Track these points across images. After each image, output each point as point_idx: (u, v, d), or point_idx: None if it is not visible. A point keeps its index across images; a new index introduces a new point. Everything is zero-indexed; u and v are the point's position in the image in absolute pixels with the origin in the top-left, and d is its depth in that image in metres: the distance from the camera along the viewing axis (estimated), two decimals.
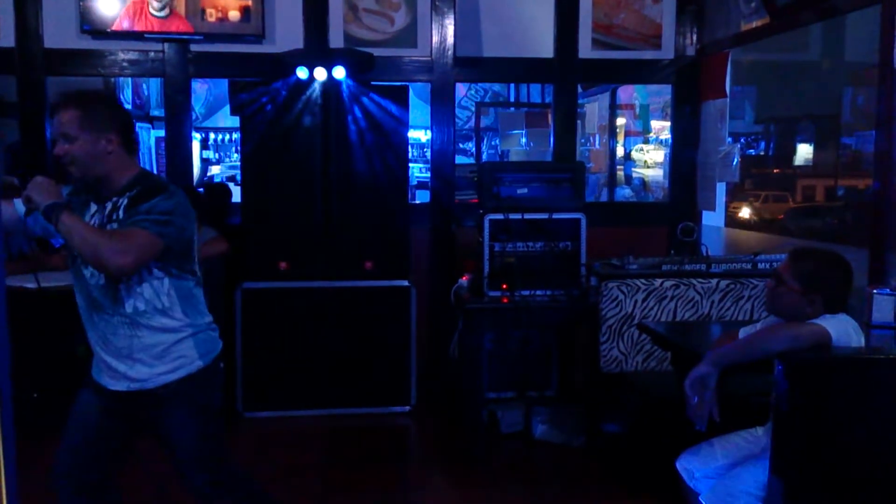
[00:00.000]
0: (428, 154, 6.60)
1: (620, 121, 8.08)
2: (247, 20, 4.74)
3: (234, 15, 4.71)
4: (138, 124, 6.18)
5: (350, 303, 4.51)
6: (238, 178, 5.34)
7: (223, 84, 7.56)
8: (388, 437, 4.31)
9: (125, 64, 4.87)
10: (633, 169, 8.05)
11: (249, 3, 4.72)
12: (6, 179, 4.98)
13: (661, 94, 7.30)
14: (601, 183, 7.95)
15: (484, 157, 8.65)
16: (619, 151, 8.08)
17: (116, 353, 2.28)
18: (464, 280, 4.22)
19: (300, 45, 4.81)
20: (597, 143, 8.28)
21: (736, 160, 4.59)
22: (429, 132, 5.42)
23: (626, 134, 8.14)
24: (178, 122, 4.98)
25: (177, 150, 5.04)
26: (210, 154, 10.28)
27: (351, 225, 4.53)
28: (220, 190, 5.71)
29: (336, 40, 4.89)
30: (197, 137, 9.22)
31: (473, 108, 9.08)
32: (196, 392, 2.33)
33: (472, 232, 4.25)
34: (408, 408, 4.60)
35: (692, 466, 2.59)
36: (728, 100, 4.78)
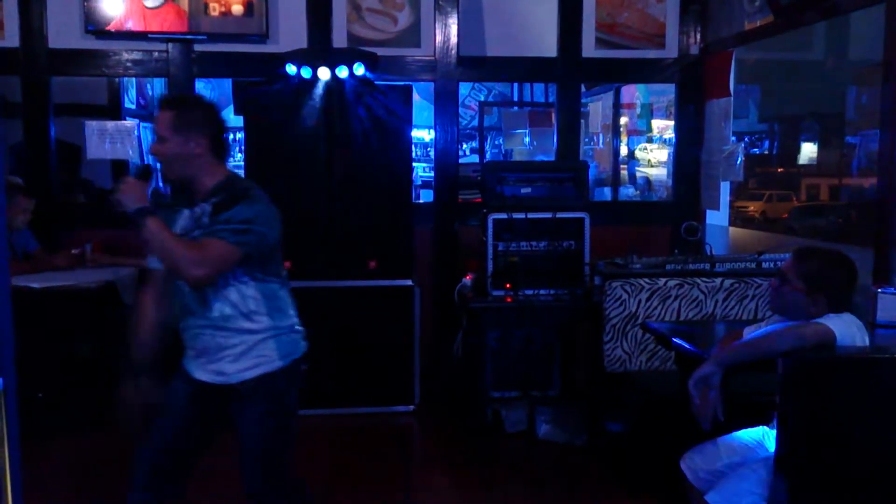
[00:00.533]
0: (431, 153, 6.60)
1: (623, 120, 8.07)
2: (250, 14, 4.73)
3: (237, 9, 4.71)
4: (142, 124, 6.17)
5: (353, 302, 4.51)
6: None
7: (227, 83, 7.57)
8: (392, 436, 4.32)
9: (129, 64, 4.88)
10: (636, 168, 8.03)
11: None
12: (10, 180, 4.99)
13: (665, 93, 7.29)
14: (607, 178, 7.94)
15: (487, 156, 8.64)
16: (623, 150, 8.07)
17: (203, 350, 2.37)
18: (467, 279, 4.23)
19: (304, 44, 4.82)
20: (600, 142, 8.28)
21: (740, 159, 4.59)
22: (432, 131, 5.42)
23: (630, 133, 8.13)
24: None
25: None
26: None
27: (354, 224, 4.53)
28: None
29: (339, 40, 4.89)
30: None
31: (477, 108, 9.08)
32: (272, 391, 2.38)
33: (476, 231, 4.25)
34: (411, 407, 4.60)
35: (696, 466, 2.58)
36: (732, 99, 4.77)
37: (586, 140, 7.91)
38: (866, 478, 2.30)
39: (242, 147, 5.72)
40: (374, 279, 4.53)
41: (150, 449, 2.45)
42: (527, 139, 7.81)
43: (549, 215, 4.03)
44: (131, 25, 4.71)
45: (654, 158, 7.76)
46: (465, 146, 9.19)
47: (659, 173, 7.61)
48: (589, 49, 5.03)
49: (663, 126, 7.50)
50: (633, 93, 7.86)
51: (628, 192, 7.84)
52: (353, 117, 4.48)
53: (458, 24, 4.89)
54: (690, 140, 5.16)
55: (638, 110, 7.83)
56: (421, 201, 6.38)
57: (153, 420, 2.46)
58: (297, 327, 2.47)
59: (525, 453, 4.05)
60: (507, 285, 3.99)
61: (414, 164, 5.69)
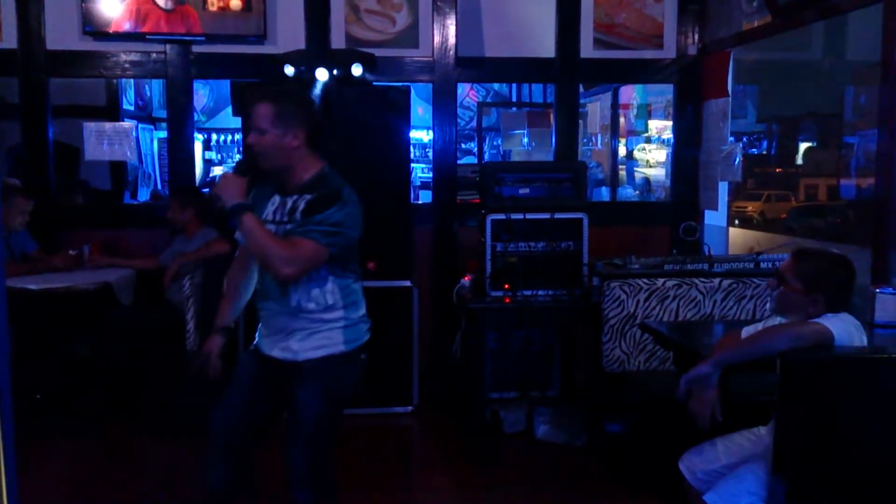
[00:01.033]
0: (430, 154, 6.60)
1: (622, 120, 8.07)
2: (248, 9, 4.73)
3: (235, 4, 4.70)
4: (140, 126, 6.18)
5: None
6: None
7: (225, 84, 7.57)
8: (391, 437, 4.31)
9: (127, 65, 4.88)
10: (635, 168, 8.03)
11: None
12: (8, 181, 4.99)
13: (663, 93, 7.28)
14: (605, 178, 7.93)
15: (486, 157, 8.63)
16: (622, 151, 8.07)
17: (276, 331, 2.49)
18: (466, 280, 4.22)
19: (302, 45, 4.81)
20: (599, 142, 8.27)
21: (738, 159, 4.59)
22: (431, 132, 5.42)
23: (628, 134, 8.13)
24: (181, 123, 4.99)
25: (179, 151, 5.05)
26: (213, 155, 10.28)
27: None
28: None
29: (338, 41, 4.89)
30: (199, 138, 9.22)
31: (475, 108, 9.08)
32: (332, 373, 2.47)
33: (475, 232, 4.25)
34: (410, 408, 4.60)
35: (695, 466, 2.59)
36: (730, 99, 4.78)
37: (585, 140, 7.91)
38: (864, 478, 2.30)
39: (241, 149, 5.72)
40: (372, 280, 4.50)
41: (220, 425, 2.56)
42: (525, 140, 7.81)
43: (547, 216, 4.03)
44: (129, 27, 4.71)
45: (653, 159, 7.76)
46: (463, 146, 9.19)
47: (657, 174, 7.61)
48: (587, 49, 5.04)
49: (661, 126, 7.50)
50: (632, 93, 7.86)
51: (627, 192, 7.84)
52: (351, 118, 4.47)
53: (457, 25, 4.89)
54: (689, 140, 5.16)
55: (634, 111, 7.83)
56: (420, 202, 6.38)
57: (218, 377, 2.60)
58: (365, 318, 2.59)
59: (524, 454, 4.05)
60: (506, 286, 3.99)
61: (412, 164, 5.69)
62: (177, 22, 4.72)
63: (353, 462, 3.92)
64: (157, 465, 3.89)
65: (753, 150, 5.06)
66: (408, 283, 4.56)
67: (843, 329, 2.34)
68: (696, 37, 5.06)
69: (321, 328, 2.45)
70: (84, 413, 4.38)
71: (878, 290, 3.06)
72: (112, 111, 6.87)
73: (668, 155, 6.22)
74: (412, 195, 5.74)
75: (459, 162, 5.71)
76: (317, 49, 4.79)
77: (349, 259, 2.48)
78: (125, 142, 4.93)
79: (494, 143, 9.07)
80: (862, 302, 2.97)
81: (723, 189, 4.96)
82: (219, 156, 10.35)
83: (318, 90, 4.45)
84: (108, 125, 5.08)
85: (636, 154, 8.05)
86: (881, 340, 2.92)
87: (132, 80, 7.31)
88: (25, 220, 4.47)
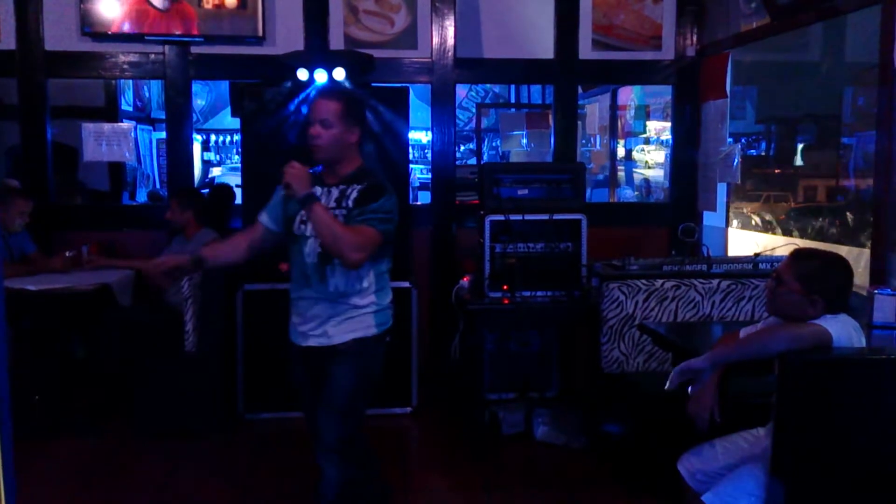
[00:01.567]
0: (429, 155, 6.60)
1: (620, 122, 8.06)
2: (243, 6, 4.72)
3: (230, 2, 4.70)
4: (139, 127, 6.18)
5: None
6: None
7: (224, 85, 7.57)
8: (389, 438, 4.31)
9: (126, 66, 4.88)
10: (634, 169, 8.04)
11: None
12: (7, 182, 4.99)
13: (661, 94, 7.28)
14: (604, 179, 7.94)
15: (485, 158, 8.64)
16: (620, 152, 8.07)
17: (312, 319, 2.67)
18: (465, 281, 4.23)
19: (300, 46, 4.82)
20: (598, 143, 8.27)
21: (737, 160, 4.59)
22: (429, 133, 5.42)
23: (627, 135, 8.13)
24: (179, 124, 4.99)
25: (178, 151, 5.04)
26: (211, 156, 10.28)
27: None
28: (224, 192, 5.71)
29: (336, 42, 4.89)
30: (198, 139, 9.22)
31: (474, 109, 9.08)
32: (364, 352, 2.67)
33: (473, 233, 4.25)
34: (409, 409, 4.59)
35: (694, 467, 2.59)
36: (728, 100, 4.78)
37: (583, 142, 7.91)
38: (863, 479, 2.30)
39: (240, 149, 5.72)
40: None
41: (310, 426, 2.79)
42: (524, 141, 7.81)
43: (546, 217, 4.03)
44: (128, 27, 4.71)
45: (652, 160, 7.76)
46: (461, 148, 9.20)
47: (656, 175, 7.61)
48: (586, 51, 5.04)
49: (660, 128, 7.50)
50: (630, 94, 7.86)
51: (625, 193, 7.85)
52: None
53: (455, 26, 4.90)
54: (687, 142, 5.16)
55: (632, 112, 7.84)
56: (418, 203, 6.38)
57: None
58: (392, 304, 2.78)
59: (523, 455, 4.04)
60: (505, 287, 3.99)
61: (411, 165, 5.69)
62: (175, 22, 4.72)
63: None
64: (155, 466, 3.88)
65: (752, 151, 5.07)
66: (407, 284, 4.55)
67: (842, 330, 2.34)
68: (695, 38, 5.06)
69: (355, 314, 2.64)
70: (82, 414, 4.38)
71: (876, 292, 3.06)
72: (110, 112, 6.87)
73: (666, 156, 6.22)
74: (411, 196, 5.74)
75: (464, 163, 5.70)
76: (315, 50, 4.79)
77: (389, 245, 2.66)
78: (124, 143, 4.93)
79: (493, 144, 9.07)
80: (860, 303, 2.98)
81: (721, 190, 4.97)
82: (217, 156, 10.35)
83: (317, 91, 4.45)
84: (106, 126, 5.08)
85: (635, 155, 8.05)
86: (879, 341, 2.92)
87: (131, 81, 7.31)
88: (25, 222, 4.47)
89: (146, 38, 4.74)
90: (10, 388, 1.32)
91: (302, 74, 4.40)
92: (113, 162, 6.14)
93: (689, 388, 2.53)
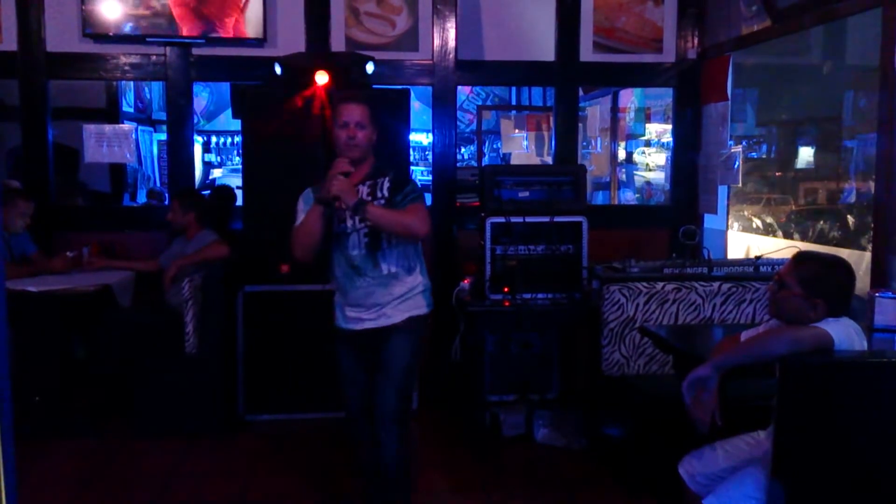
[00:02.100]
0: (429, 157, 6.60)
1: (621, 124, 8.06)
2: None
3: None
4: (140, 128, 6.18)
5: None
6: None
7: (225, 87, 7.58)
8: None
9: (127, 67, 4.88)
10: (635, 172, 8.04)
11: None
12: (8, 183, 4.99)
13: (662, 97, 7.28)
14: (605, 181, 7.94)
15: (485, 160, 8.64)
16: (621, 154, 8.07)
17: (374, 303, 2.91)
18: (465, 283, 4.22)
19: (302, 48, 4.82)
20: (598, 146, 8.28)
21: (738, 163, 4.59)
22: (430, 135, 5.42)
23: (628, 137, 8.13)
24: (180, 126, 4.99)
25: (179, 153, 5.05)
26: (212, 157, 10.29)
27: None
28: (225, 193, 5.71)
29: (337, 44, 4.89)
30: (199, 140, 9.22)
31: (475, 111, 9.09)
32: (417, 330, 2.97)
33: (474, 235, 4.25)
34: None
35: (695, 470, 2.58)
36: (729, 103, 4.78)
37: (584, 144, 7.91)
38: (864, 482, 2.30)
39: (240, 151, 5.72)
40: None
41: (356, 410, 3.05)
42: (525, 143, 7.81)
43: (546, 219, 4.03)
44: (129, 29, 4.71)
45: (653, 162, 7.77)
46: (462, 150, 9.20)
47: (657, 177, 7.61)
48: (587, 53, 5.04)
49: (661, 130, 7.50)
50: (631, 97, 7.87)
51: (626, 195, 7.85)
52: None
53: (456, 29, 4.90)
54: (688, 144, 5.16)
55: (632, 114, 7.84)
56: None
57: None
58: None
59: (523, 457, 4.04)
60: (505, 289, 3.99)
61: (412, 167, 5.69)
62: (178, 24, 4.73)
63: (351, 465, 3.92)
64: (155, 467, 3.88)
65: (753, 153, 5.07)
66: None
67: (844, 333, 2.34)
68: (696, 41, 5.07)
69: (410, 295, 2.93)
70: (82, 414, 4.38)
71: (877, 294, 3.05)
72: (112, 113, 6.88)
73: (667, 158, 6.22)
74: None
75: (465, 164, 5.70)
76: (317, 52, 4.80)
77: None
78: (125, 144, 4.93)
79: (494, 146, 9.07)
80: (861, 306, 2.97)
81: (722, 193, 4.97)
82: (218, 158, 10.36)
83: (318, 93, 4.45)
84: (107, 127, 5.08)
85: (636, 157, 8.05)
86: (880, 344, 2.91)
87: (132, 83, 7.32)
88: (26, 223, 4.47)
89: (147, 39, 4.75)
90: (10, 388, 1.32)
91: (303, 77, 4.40)
92: (114, 163, 6.15)
93: (685, 386, 2.52)
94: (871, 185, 3.61)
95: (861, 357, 2.38)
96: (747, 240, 4.90)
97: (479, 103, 9.35)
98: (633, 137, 7.97)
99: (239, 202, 5.29)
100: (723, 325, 3.78)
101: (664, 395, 3.40)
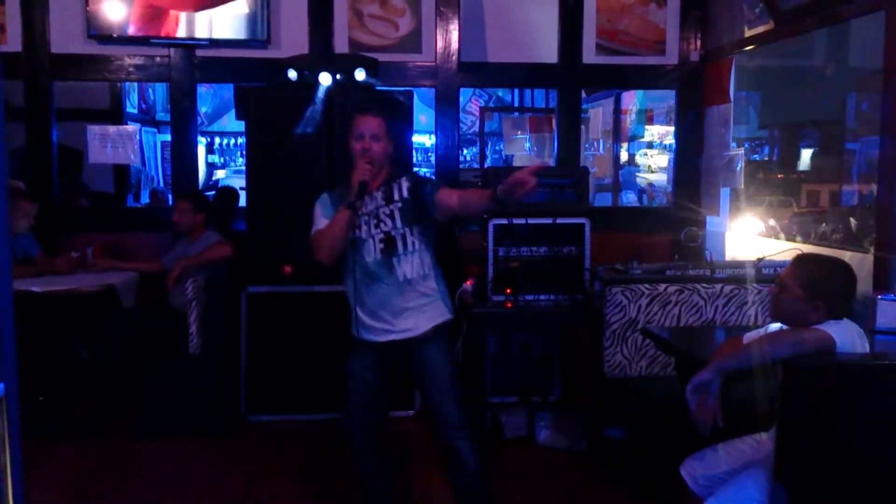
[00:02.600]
0: (432, 159, 6.61)
1: (624, 126, 8.07)
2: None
3: None
4: (143, 129, 6.20)
5: None
6: None
7: (229, 88, 7.59)
8: (391, 441, 4.31)
9: (131, 69, 4.90)
10: (637, 174, 8.04)
11: None
12: (13, 184, 5.00)
13: (664, 99, 7.29)
14: (607, 183, 7.94)
15: (488, 161, 8.65)
16: (624, 156, 8.08)
17: (392, 311, 2.85)
18: (468, 285, 4.23)
19: (305, 50, 4.83)
20: (601, 148, 8.28)
21: (740, 165, 4.59)
22: (433, 137, 5.43)
23: (630, 139, 8.14)
24: (184, 127, 5.00)
25: (182, 154, 5.06)
26: (216, 158, 10.31)
27: None
28: (229, 194, 5.72)
29: (341, 46, 4.91)
30: (202, 142, 9.24)
31: (477, 113, 9.10)
32: (446, 334, 2.92)
33: (476, 236, 4.25)
34: (411, 412, 4.60)
35: (696, 472, 2.58)
36: (732, 105, 4.79)
37: (587, 146, 7.92)
38: (866, 485, 2.30)
39: (244, 152, 5.73)
40: None
41: (354, 424, 2.98)
42: (527, 145, 7.82)
43: (549, 221, 4.04)
44: (133, 31, 4.73)
45: (655, 164, 7.77)
46: (465, 152, 9.20)
47: (659, 179, 7.62)
48: (589, 55, 5.05)
49: (663, 132, 7.51)
50: (633, 99, 7.88)
51: (629, 197, 7.85)
52: None
53: (459, 30, 4.91)
54: (691, 146, 5.17)
55: (633, 116, 7.85)
56: None
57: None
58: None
59: (525, 459, 4.05)
60: (508, 291, 4.00)
61: (415, 169, 5.69)
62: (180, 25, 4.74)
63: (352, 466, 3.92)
64: (158, 467, 3.89)
65: (755, 156, 5.08)
66: None
67: (845, 336, 2.34)
68: (699, 43, 5.07)
69: (429, 303, 2.88)
70: (86, 415, 4.38)
71: (879, 297, 3.05)
72: (116, 114, 6.90)
73: (669, 160, 6.22)
74: None
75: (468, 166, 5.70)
76: (320, 54, 4.81)
77: (434, 234, 2.93)
78: (128, 145, 4.95)
79: (496, 147, 9.08)
80: (863, 308, 2.98)
81: (724, 195, 4.97)
82: (222, 159, 10.37)
83: (320, 95, 4.46)
84: (111, 128, 5.10)
85: (638, 159, 8.06)
86: (882, 347, 2.91)
87: (136, 84, 7.34)
88: (30, 224, 4.48)
89: (151, 41, 4.76)
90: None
91: (307, 79, 4.41)
92: (117, 164, 6.17)
93: (689, 391, 2.53)
94: (874, 187, 3.60)
95: (863, 359, 2.38)
96: (749, 242, 4.90)
97: (482, 105, 9.36)
98: (636, 139, 7.98)
99: (242, 203, 5.30)
100: (725, 327, 3.78)
101: (666, 397, 3.40)
